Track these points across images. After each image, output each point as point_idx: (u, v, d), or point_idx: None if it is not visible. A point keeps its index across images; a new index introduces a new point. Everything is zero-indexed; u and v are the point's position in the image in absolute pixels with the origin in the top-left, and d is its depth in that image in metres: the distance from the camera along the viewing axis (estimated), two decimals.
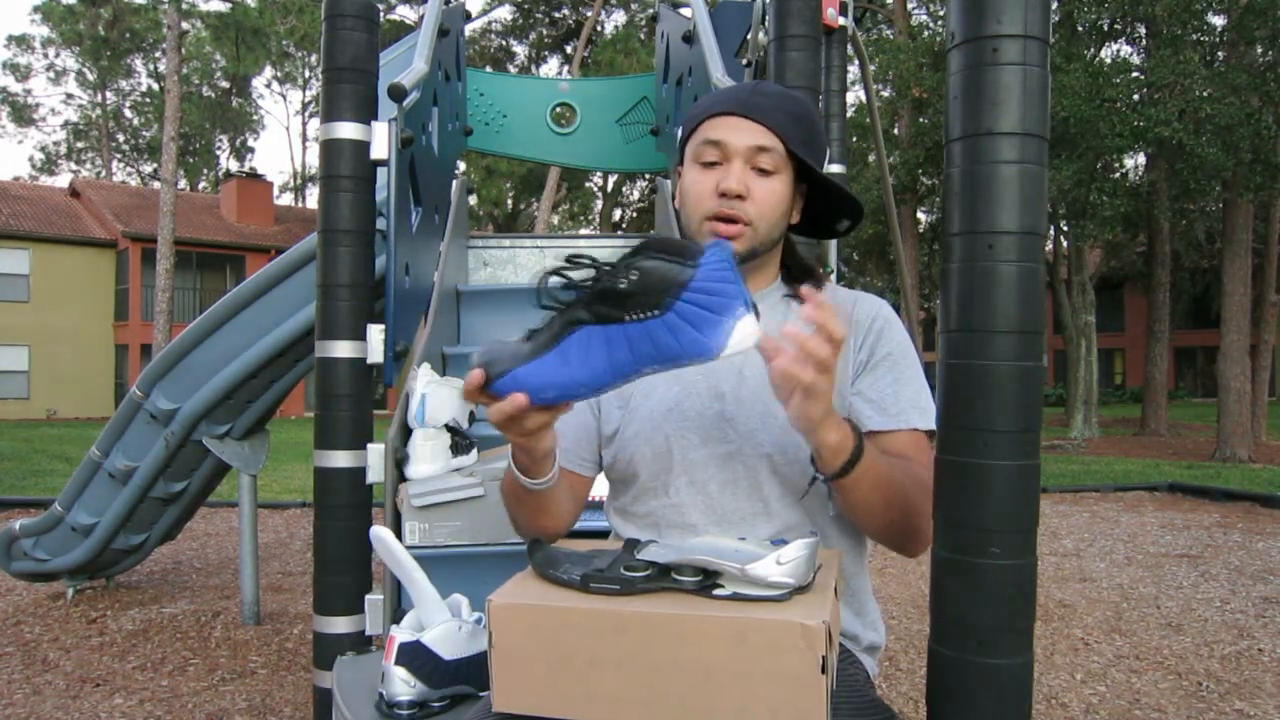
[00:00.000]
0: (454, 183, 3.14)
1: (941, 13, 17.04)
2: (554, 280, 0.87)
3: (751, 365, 1.14)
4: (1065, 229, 15.86)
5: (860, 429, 1.01)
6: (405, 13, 22.66)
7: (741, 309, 0.84)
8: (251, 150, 52.70)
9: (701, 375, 1.16)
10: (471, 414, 2.16)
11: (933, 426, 1.11)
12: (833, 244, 2.34)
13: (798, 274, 1.24)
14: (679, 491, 1.15)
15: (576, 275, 0.85)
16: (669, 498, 1.15)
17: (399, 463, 2.04)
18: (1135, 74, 12.79)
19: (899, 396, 1.13)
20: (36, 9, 31.04)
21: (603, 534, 1.28)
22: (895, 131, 15.86)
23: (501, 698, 0.91)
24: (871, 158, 14.03)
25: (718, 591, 0.88)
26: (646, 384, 1.18)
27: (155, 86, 34.39)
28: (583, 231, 30.55)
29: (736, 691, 0.83)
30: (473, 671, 1.27)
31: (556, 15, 26.97)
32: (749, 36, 2.39)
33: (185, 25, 22.61)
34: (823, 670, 0.81)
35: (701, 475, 1.14)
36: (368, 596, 2.05)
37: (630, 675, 0.86)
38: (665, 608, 0.86)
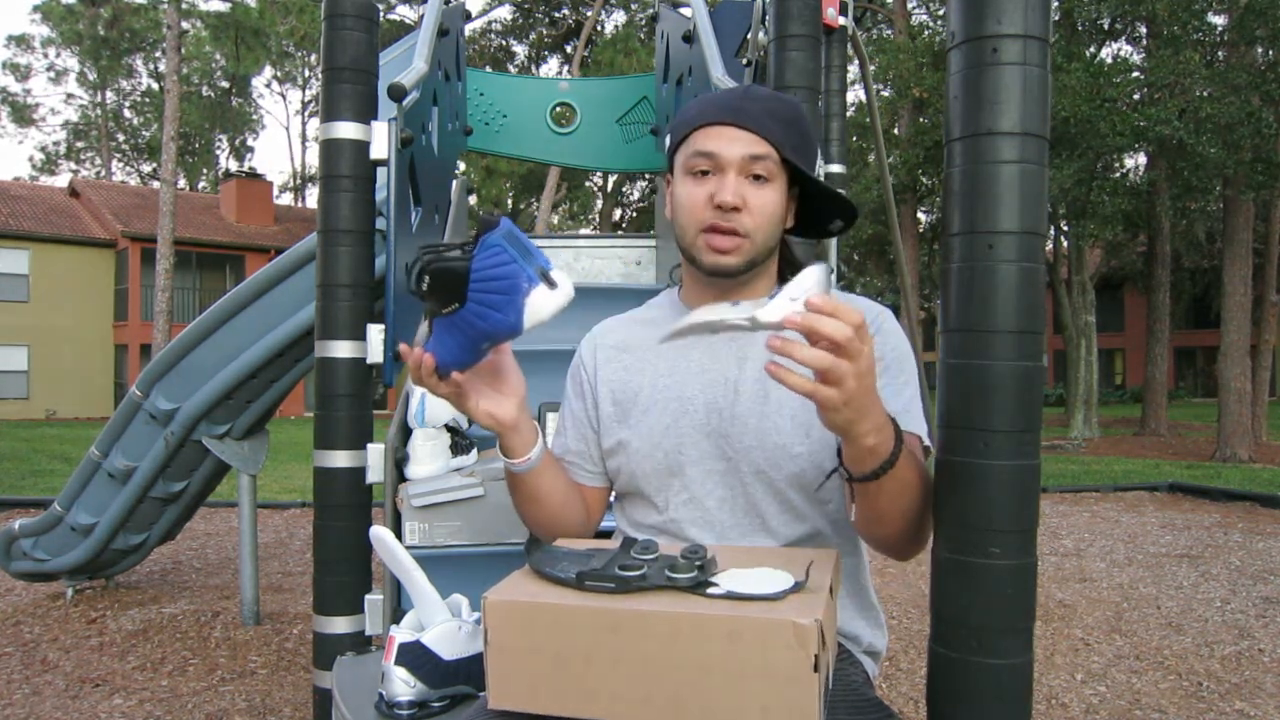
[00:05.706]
0: (454, 183, 3.14)
1: (941, 13, 17.03)
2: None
3: (746, 380, 1.14)
4: (1065, 229, 15.86)
5: (900, 431, 0.95)
6: (405, 13, 22.64)
7: (525, 284, 0.90)
8: (251, 150, 52.72)
9: (699, 390, 1.16)
10: None
11: (921, 433, 1.10)
12: (833, 245, 2.34)
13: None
14: (678, 508, 1.15)
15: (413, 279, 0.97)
16: (669, 513, 1.16)
17: (399, 463, 2.04)
18: (1135, 73, 12.78)
19: (891, 402, 1.07)
20: (36, 9, 30.98)
21: (606, 534, 1.28)
22: (895, 131, 15.84)
23: (497, 695, 0.91)
24: (871, 158, 14.03)
25: (712, 590, 0.89)
26: (646, 399, 1.19)
27: (155, 86, 34.38)
28: (583, 231, 30.55)
29: (730, 689, 0.83)
30: (472, 671, 1.27)
31: (556, 15, 26.93)
32: (749, 36, 2.38)
33: (185, 25, 22.63)
34: (815, 669, 0.81)
35: (700, 491, 1.14)
36: (368, 596, 2.05)
37: (625, 673, 0.86)
38: (659, 606, 0.87)
